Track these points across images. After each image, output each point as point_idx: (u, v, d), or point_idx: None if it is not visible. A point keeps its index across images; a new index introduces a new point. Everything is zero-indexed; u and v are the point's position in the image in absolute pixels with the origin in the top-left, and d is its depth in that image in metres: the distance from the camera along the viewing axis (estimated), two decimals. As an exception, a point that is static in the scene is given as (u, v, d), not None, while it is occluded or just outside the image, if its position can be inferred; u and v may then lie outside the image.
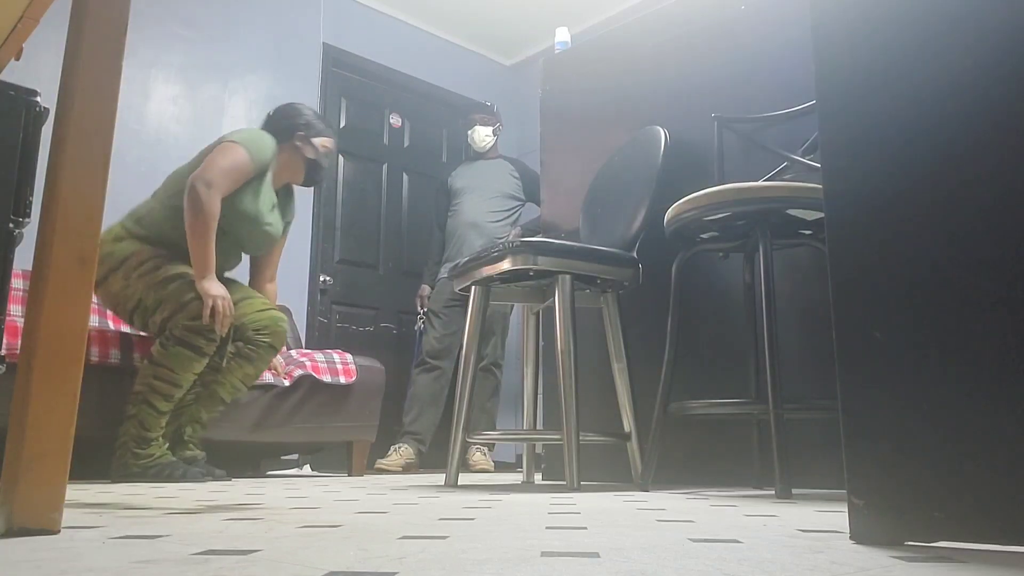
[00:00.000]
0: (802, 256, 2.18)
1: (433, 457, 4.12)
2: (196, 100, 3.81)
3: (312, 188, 4.16)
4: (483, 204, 3.96)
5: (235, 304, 2.54)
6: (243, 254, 2.73)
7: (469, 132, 4.06)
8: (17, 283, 2.79)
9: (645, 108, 2.65)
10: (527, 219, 4.03)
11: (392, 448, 3.54)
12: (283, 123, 2.72)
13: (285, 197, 2.82)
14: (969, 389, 0.80)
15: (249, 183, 2.55)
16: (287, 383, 2.89)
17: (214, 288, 2.39)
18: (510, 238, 3.88)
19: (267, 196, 2.65)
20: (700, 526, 1.02)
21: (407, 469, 3.48)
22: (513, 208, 4.05)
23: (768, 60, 2.35)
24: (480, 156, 4.10)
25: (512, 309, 4.06)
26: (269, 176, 2.65)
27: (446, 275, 3.85)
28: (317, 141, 2.76)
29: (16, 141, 1.15)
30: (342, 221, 4.36)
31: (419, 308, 4.03)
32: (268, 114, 2.79)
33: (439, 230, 4.06)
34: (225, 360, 2.53)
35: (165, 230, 2.50)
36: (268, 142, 2.57)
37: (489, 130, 4.07)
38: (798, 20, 2.29)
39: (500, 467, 4.35)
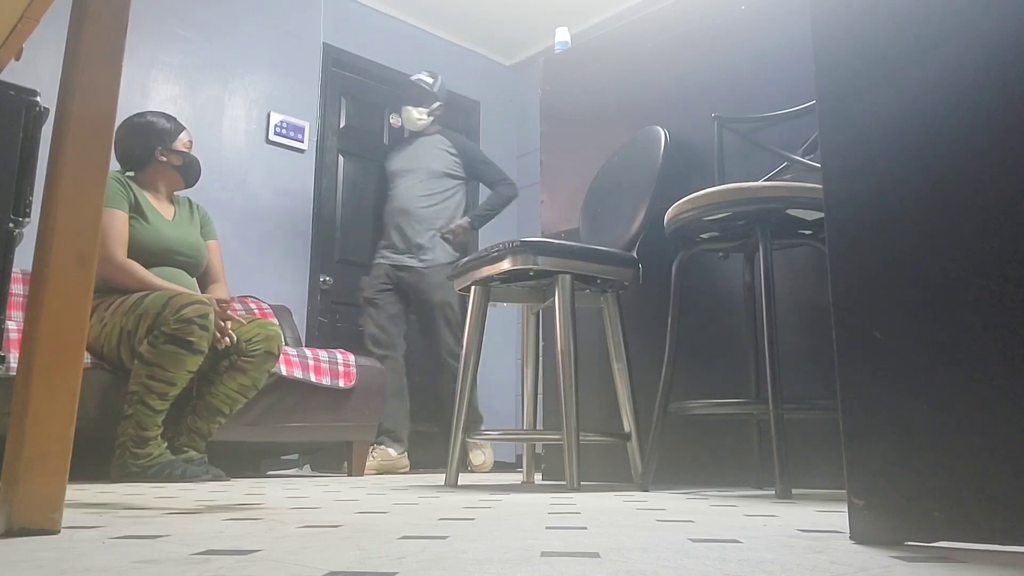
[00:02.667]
0: (802, 256, 2.18)
1: (432, 457, 4.12)
2: (196, 100, 3.81)
3: (312, 188, 4.18)
4: (415, 188, 3.73)
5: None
6: (193, 271, 2.77)
7: (402, 113, 3.82)
8: (17, 287, 2.79)
9: (645, 108, 2.65)
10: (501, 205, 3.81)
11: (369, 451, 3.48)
12: (138, 148, 2.70)
13: (185, 207, 2.85)
14: (969, 389, 0.80)
15: (130, 220, 2.59)
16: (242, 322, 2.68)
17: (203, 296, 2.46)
18: (453, 226, 3.64)
19: (156, 216, 2.68)
20: (700, 526, 1.02)
21: (386, 469, 3.35)
22: (450, 189, 3.77)
23: (768, 60, 2.35)
24: (418, 135, 3.84)
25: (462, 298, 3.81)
26: (146, 198, 2.68)
27: (380, 260, 3.69)
28: (178, 144, 2.76)
29: (16, 141, 1.15)
30: (342, 221, 4.36)
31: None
32: (114, 142, 2.76)
33: (376, 218, 3.92)
34: (219, 373, 2.54)
35: (117, 279, 2.54)
36: (108, 185, 2.58)
37: (423, 112, 3.77)
38: (798, 20, 2.29)
39: (500, 467, 4.35)
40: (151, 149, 2.71)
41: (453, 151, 3.80)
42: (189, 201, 2.89)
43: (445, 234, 3.68)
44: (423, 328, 3.70)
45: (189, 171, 2.80)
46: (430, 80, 3.79)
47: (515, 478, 2.90)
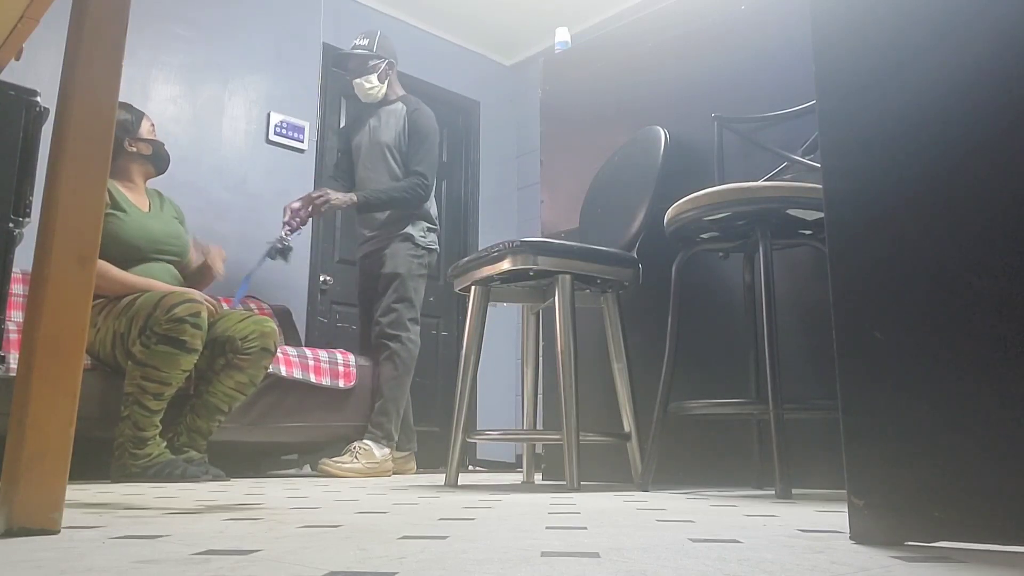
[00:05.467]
0: (802, 256, 2.18)
1: (431, 457, 4.12)
2: (196, 100, 3.81)
3: (312, 188, 4.17)
4: (367, 166, 3.31)
5: (214, 322, 2.56)
6: (177, 263, 2.76)
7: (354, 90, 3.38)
8: (17, 287, 2.79)
9: (645, 108, 2.65)
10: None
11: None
12: None
13: (156, 198, 2.84)
14: (969, 389, 0.80)
15: (110, 216, 2.57)
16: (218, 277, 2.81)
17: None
18: (317, 199, 3.05)
19: (134, 209, 2.66)
20: (700, 526, 1.02)
21: (371, 473, 2.96)
22: (395, 166, 3.26)
23: (768, 60, 2.35)
24: (380, 105, 3.37)
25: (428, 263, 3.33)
26: (121, 191, 2.67)
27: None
28: (143, 132, 2.76)
29: (16, 141, 1.15)
30: (342, 221, 4.36)
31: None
32: None
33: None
34: (216, 372, 2.54)
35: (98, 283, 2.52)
36: None
37: (373, 78, 3.29)
38: (798, 20, 2.29)
39: (500, 467, 4.34)
40: (119, 141, 2.68)
41: (404, 118, 3.29)
42: (158, 193, 2.87)
43: (293, 215, 3.10)
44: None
45: (159, 159, 2.79)
46: (364, 41, 3.32)
47: (515, 478, 2.90)
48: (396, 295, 3.15)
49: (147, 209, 2.74)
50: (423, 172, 3.21)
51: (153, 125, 2.83)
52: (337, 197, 3.13)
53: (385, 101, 3.36)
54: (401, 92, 3.40)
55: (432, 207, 3.36)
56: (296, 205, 3.09)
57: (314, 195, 3.12)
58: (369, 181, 3.29)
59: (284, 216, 3.09)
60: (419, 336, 3.24)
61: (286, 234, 3.07)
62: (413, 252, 3.21)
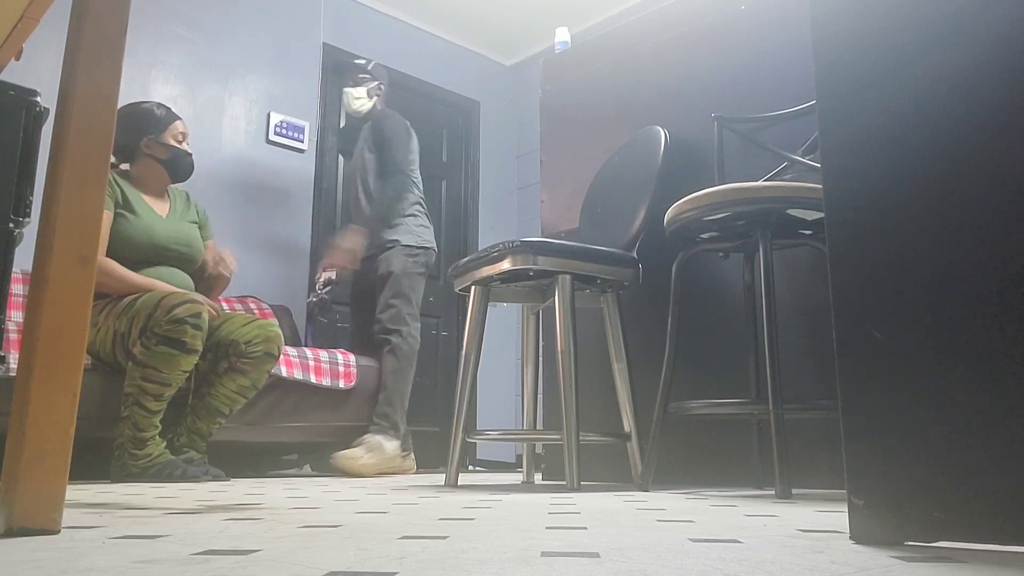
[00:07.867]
0: (802, 256, 2.18)
1: (431, 457, 4.12)
2: (196, 100, 3.81)
3: (312, 188, 4.18)
4: (354, 184, 3.47)
5: (218, 326, 2.56)
6: (188, 266, 2.73)
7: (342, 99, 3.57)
8: (17, 287, 2.79)
9: (645, 108, 2.65)
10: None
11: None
12: (123, 139, 2.62)
13: (181, 201, 2.80)
14: (969, 389, 0.80)
15: (118, 217, 2.55)
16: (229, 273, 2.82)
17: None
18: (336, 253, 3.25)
19: (147, 212, 2.63)
20: (700, 526, 1.02)
21: (387, 468, 3.03)
22: (362, 183, 3.41)
23: (768, 60, 2.35)
24: (362, 123, 3.56)
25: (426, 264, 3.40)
26: (138, 193, 2.64)
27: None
28: (167, 135, 2.69)
29: (16, 141, 1.15)
30: (342, 221, 4.36)
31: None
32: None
33: None
34: (218, 375, 2.54)
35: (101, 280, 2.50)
36: None
37: (362, 91, 3.47)
38: (798, 20, 2.29)
39: (500, 467, 4.34)
40: (136, 140, 2.65)
41: (368, 133, 3.44)
42: (187, 196, 2.83)
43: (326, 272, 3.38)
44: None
45: (175, 165, 2.70)
46: (363, 61, 3.56)
47: (515, 478, 2.90)
48: (392, 291, 3.23)
49: (165, 213, 2.69)
50: (392, 172, 3.30)
51: (186, 132, 2.74)
52: (346, 251, 3.27)
53: (365, 119, 3.51)
54: (385, 112, 3.49)
55: (415, 206, 3.38)
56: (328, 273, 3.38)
57: (329, 269, 3.36)
58: (350, 197, 3.50)
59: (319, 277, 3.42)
60: (419, 333, 3.27)
61: (320, 291, 3.40)
62: (406, 252, 3.26)
